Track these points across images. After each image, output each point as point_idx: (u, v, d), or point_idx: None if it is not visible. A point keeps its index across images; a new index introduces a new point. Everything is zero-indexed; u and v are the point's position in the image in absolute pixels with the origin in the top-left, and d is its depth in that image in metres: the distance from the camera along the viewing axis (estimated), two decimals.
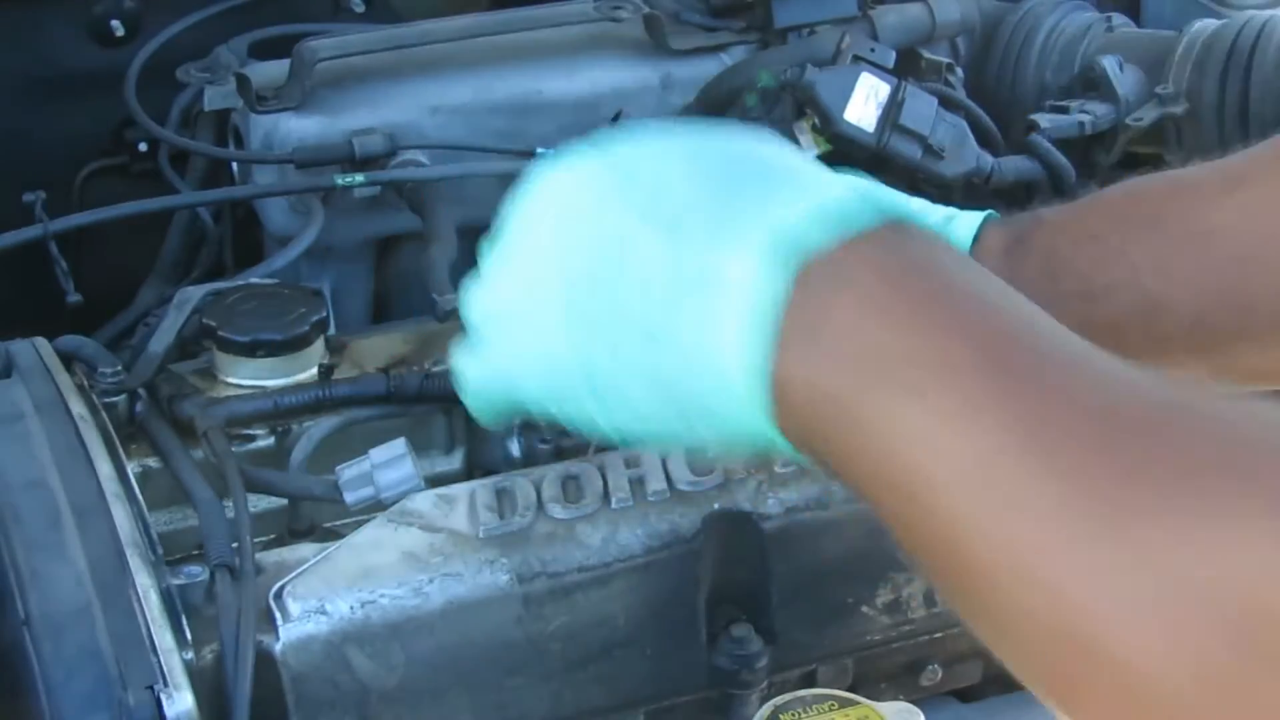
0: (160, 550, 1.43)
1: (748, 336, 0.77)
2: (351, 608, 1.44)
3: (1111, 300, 1.19)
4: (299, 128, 2.14)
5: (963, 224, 1.30)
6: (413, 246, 2.16)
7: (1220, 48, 2.15)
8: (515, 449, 1.70)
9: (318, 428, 1.68)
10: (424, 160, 2.14)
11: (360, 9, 2.57)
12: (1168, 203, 1.22)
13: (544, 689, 1.50)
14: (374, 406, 1.71)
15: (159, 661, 1.29)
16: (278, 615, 1.42)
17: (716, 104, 2.24)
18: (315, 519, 1.64)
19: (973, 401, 0.69)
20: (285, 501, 1.63)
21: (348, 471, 1.56)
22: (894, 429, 0.71)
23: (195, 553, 1.54)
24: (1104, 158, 2.23)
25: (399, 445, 1.57)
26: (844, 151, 2.14)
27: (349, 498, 1.55)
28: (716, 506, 1.56)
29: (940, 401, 0.70)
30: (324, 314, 1.77)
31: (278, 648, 1.41)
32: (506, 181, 2.18)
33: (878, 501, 0.75)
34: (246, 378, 1.73)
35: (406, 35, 2.26)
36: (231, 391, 1.72)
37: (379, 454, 1.56)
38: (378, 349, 1.80)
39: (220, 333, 1.73)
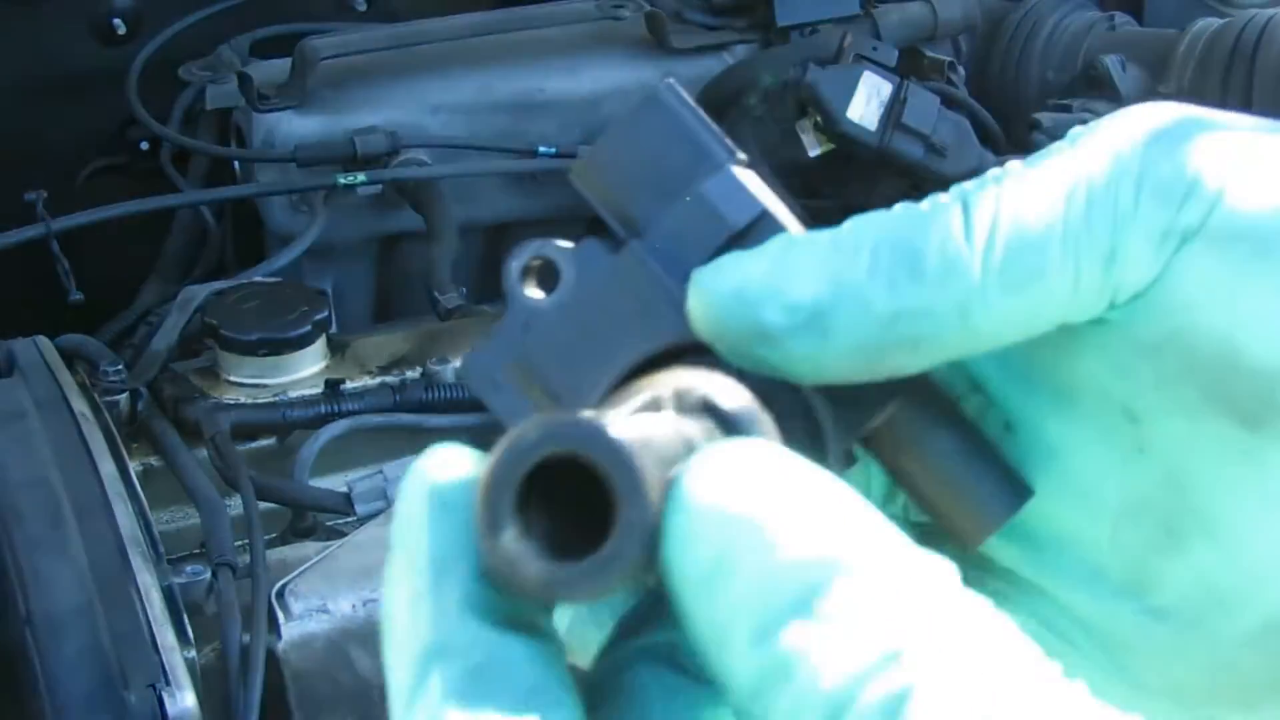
0: (162, 549, 1.43)
1: None
2: (354, 606, 1.44)
3: None
4: (301, 126, 2.14)
5: None
6: (415, 245, 2.16)
7: (1223, 47, 2.15)
8: None
9: (325, 432, 1.68)
10: (426, 159, 2.14)
11: (362, 7, 2.57)
12: None
13: None
14: (380, 415, 1.71)
15: (161, 660, 1.29)
16: (280, 614, 1.42)
17: (718, 103, 2.24)
18: (318, 518, 1.64)
19: None
20: None
21: (361, 484, 1.56)
22: None
23: (197, 551, 1.55)
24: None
25: (412, 461, 1.58)
26: (846, 150, 2.14)
27: (361, 510, 1.56)
28: None
29: None
30: (326, 313, 1.77)
31: (280, 646, 1.41)
32: (508, 180, 2.22)
33: None
34: (249, 376, 1.73)
35: (408, 34, 2.26)
36: (234, 391, 1.72)
37: (393, 469, 1.57)
38: (379, 347, 1.80)
39: (223, 331, 1.73)
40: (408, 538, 0.40)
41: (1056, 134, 2.17)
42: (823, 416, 0.49)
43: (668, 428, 0.39)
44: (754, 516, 0.36)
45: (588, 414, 0.36)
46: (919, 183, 2.23)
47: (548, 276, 0.51)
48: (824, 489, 0.38)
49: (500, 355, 0.51)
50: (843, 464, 0.49)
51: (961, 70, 2.30)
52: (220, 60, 2.29)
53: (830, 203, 2.33)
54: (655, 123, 0.50)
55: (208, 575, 1.41)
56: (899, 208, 0.48)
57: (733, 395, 0.44)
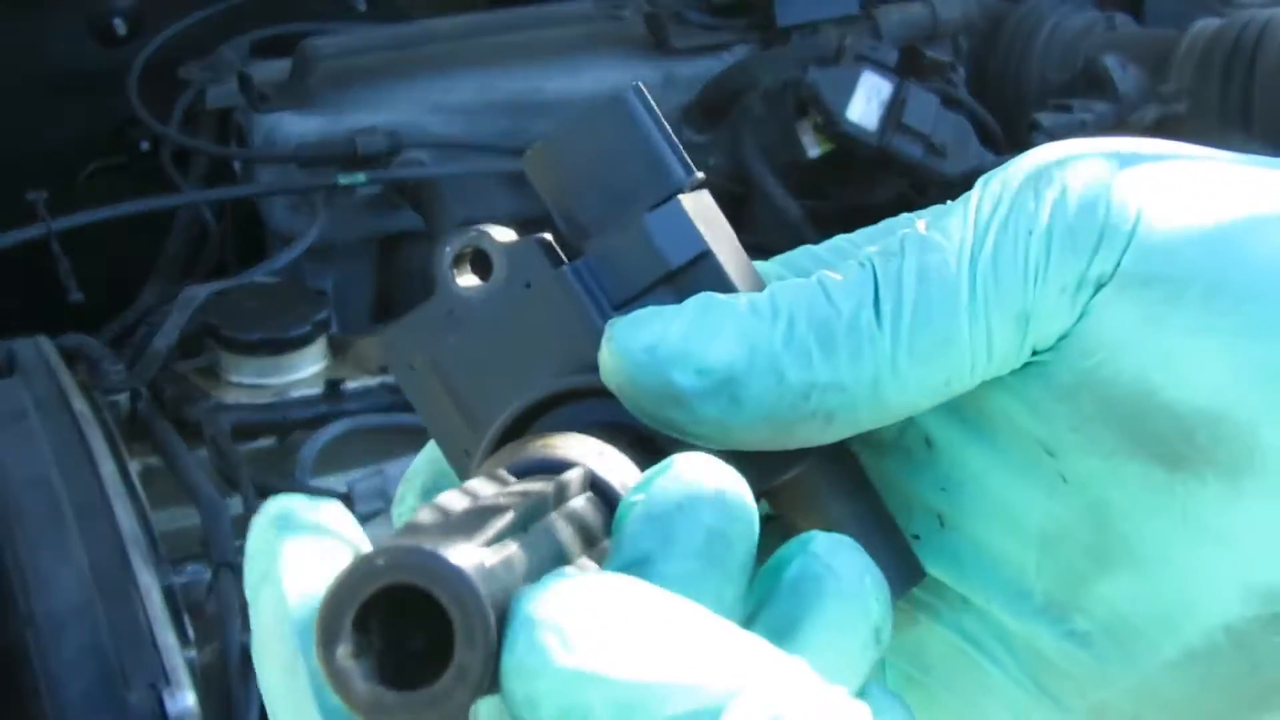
0: (162, 549, 1.44)
1: None
2: None
3: None
4: (301, 126, 2.14)
5: None
6: (415, 245, 2.16)
7: (1223, 47, 2.15)
8: None
9: (325, 432, 1.69)
10: (426, 159, 2.14)
11: (362, 7, 2.57)
12: None
13: None
14: (380, 415, 1.72)
15: (161, 659, 1.29)
16: None
17: (718, 103, 2.24)
18: None
19: None
20: None
21: (362, 484, 1.57)
22: None
23: (198, 552, 1.55)
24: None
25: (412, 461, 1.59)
26: (846, 150, 2.15)
27: (361, 509, 1.56)
28: None
29: None
30: (326, 313, 1.78)
31: None
32: (508, 180, 2.23)
33: None
34: (249, 376, 1.74)
35: (408, 34, 2.27)
36: (234, 391, 1.73)
37: (393, 469, 1.57)
38: (380, 348, 1.80)
39: (223, 332, 1.73)
40: (265, 604, 0.39)
41: (1057, 134, 2.17)
42: None
43: (537, 542, 0.38)
44: (595, 670, 0.35)
45: (441, 543, 0.35)
46: (919, 183, 2.24)
47: (479, 268, 0.49)
48: (684, 631, 0.36)
49: (418, 342, 0.50)
50: None
51: (961, 70, 2.31)
52: (220, 60, 2.30)
53: (830, 203, 2.34)
54: (616, 126, 0.49)
55: (208, 575, 1.41)
56: (817, 277, 0.47)
57: (628, 477, 0.43)
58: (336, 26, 2.41)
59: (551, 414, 0.48)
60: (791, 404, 0.46)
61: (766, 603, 0.41)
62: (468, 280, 0.49)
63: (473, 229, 0.49)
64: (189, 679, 1.29)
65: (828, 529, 0.47)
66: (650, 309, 0.47)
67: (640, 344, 0.46)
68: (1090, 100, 2.21)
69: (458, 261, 0.49)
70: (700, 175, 0.50)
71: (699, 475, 0.40)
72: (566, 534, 0.39)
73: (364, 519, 1.55)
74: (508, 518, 0.37)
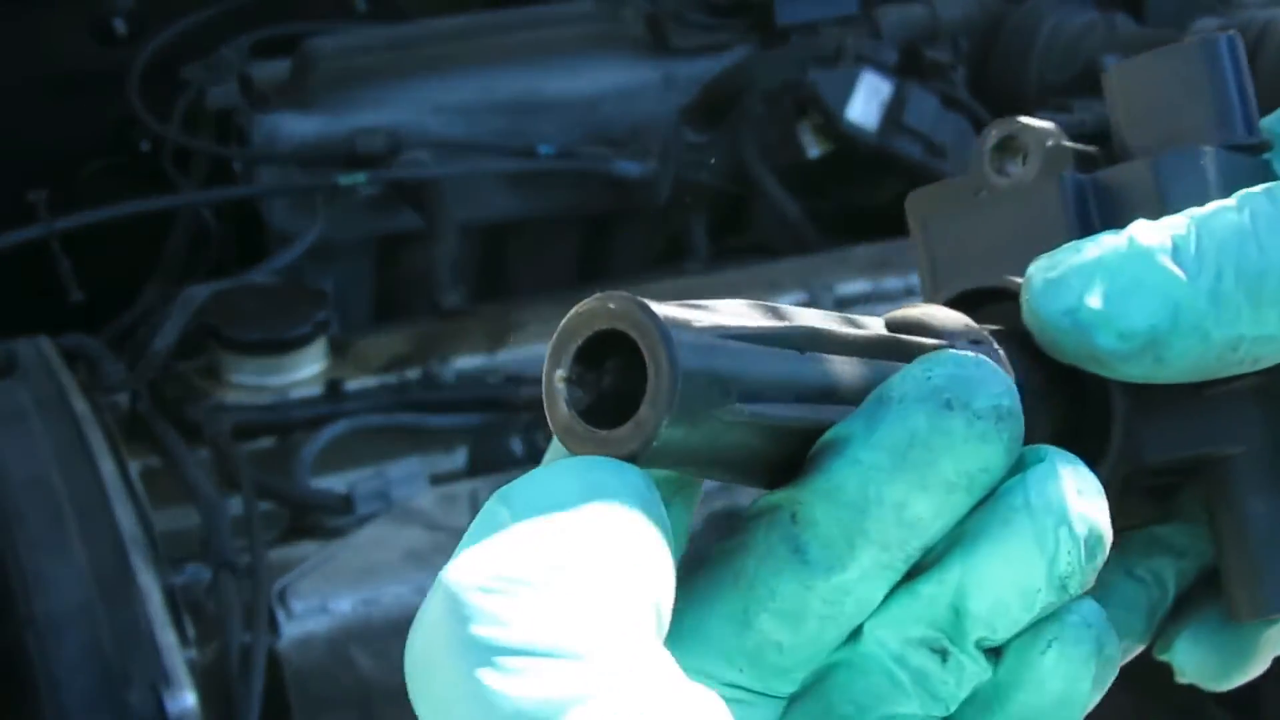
0: (162, 549, 1.44)
1: None
2: (354, 606, 1.44)
3: None
4: (301, 126, 2.14)
5: None
6: (415, 245, 2.16)
7: None
8: (518, 447, 1.70)
9: (325, 432, 1.69)
10: (426, 159, 2.14)
11: (363, 8, 2.57)
12: None
13: None
14: (380, 415, 1.72)
15: (161, 659, 1.29)
16: (280, 613, 1.42)
17: (718, 103, 2.24)
18: (318, 518, 1.64)
19: None
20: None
21: (361, 484, 1.57)
22: None
23: (197, 552, 1.55)
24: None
25: (413, 464, 1.59)
26: (846, 151, 2.15)
27: (361, 510, 1.57)
28: (718, 505, 1.56)
29: None
30: (326, 313, 1.78)
31: (280, 645, 1.41)
32: (508, 180, 2.23)
33: None
34: (249, 376, 1.74)
35: (408, 34, 2.27)
36: (234, 391, 1.73)
37: (395, 471, 1.58)
38: (380, 348, 1.80)
39: (223, 332, 1.73)
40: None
41: None
42: (1115, 433, 0.47)
43: (779, 359, 0.40)
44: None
45: (672, 312, 0.37)
46: (919, 183, 2.23)
47: (1011, 158, 0.50)
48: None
49: (934, 204, 0.52)
50: (1117, 492, 0.45)
51: (961, 70, 2.31)
52: (221, 61, 2.29)
53: (830, 203, 2.34)
54: (1199, 65, 0.49)
55: (208, 575, 1.41)
56: (1249, 210, 0.45)
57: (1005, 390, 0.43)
58: (336, 26, 2.41)
59: (991, 306, 0.48)
60: (1218, 356, 0.45)
61: (972, 512, 0.41)
62: (1003, 165, 0.50)
63: (1017, 121, 0.50)
64: (189, 679, 1.29)
65: (1234, 520, 0.47)
66: (1072, 261, 0.46)
67: (1059, 308, 0.45)
68: (1090, 100, 2.21)
69: (997, 150, 0.50)
70: (1264, 140, 0.49)
71: (947, 375, 0.40)
72: (818, 371, 0.41)
73: (364, 519, 1.55)
74: (769, 327, 0.39)
